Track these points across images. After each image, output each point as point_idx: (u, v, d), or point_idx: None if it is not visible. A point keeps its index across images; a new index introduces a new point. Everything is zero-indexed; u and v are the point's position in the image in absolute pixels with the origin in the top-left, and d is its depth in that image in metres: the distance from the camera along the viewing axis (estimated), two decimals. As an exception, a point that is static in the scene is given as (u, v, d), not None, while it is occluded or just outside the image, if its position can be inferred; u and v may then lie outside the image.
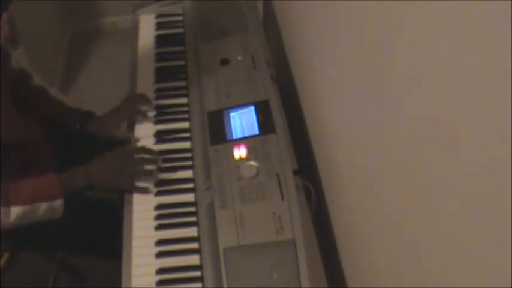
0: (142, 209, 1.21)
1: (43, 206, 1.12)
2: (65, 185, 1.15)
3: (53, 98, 1.43)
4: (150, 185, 1.23)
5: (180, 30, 1.61)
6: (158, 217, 1.19)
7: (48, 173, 1.16)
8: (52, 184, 1.14)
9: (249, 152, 1.15)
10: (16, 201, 1.09)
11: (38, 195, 1.11)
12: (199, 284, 1.08)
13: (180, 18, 1.65)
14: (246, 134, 1.19)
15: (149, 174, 1.24)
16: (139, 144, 1.31)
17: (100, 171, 1.21)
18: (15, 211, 1.09)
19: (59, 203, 1.14)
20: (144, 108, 1.38)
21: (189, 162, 1.28)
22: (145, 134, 1.35)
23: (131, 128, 1.37)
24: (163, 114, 1.39)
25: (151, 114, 1.38)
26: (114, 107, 1.40)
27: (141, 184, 1.23)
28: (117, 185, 1.22)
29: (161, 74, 1.49)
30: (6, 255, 1.48)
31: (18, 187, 1.11)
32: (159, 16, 1.66)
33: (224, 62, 1.37)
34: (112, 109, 1.40)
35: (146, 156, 1.25)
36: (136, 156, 1.25)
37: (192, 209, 1.20)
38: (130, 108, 1.38)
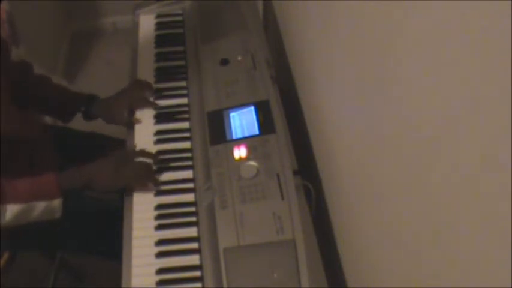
0: (143, 209, 1.21)
1: (40, 205, 1.11)
2: (63, 184, 1.14)
3: (55, 85, 1.43)
4: (150, 184, 1.23)
5: (180, 30, 1.61)
6: (158, 217, 1.19)
7: (47, 172, 1.15)
8: (50, 183, 1.13)
9: (249, 152, 1.15)
10: (12, 199, 1.08)
11: (35, 194, 1.11)
12: (199, 284, 1.08)
13: (180, 18, 1.65)
14: (246, 134, 1.19)
15: (148, 178, 1.23)
16: (139, 147, 1.30)
17: (99, 173, 1.19)
18: (11, 209, 1.08)
19: (57, 202, 1.13)
20: (147, 94, 1.40)
21: (189, 162, 1.28)
22: (145, 133, 1.35)
23: (132, 113, 1.38)
24: (163, 114, 1.39)
25: (152, 99, 1.41)
26: (119, 91, 1.40)
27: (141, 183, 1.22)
28: (115, 187, 1.22)
29: (161, 74, 1.48)
30: (6, 255, 1.48)
31: (14, 185, 1.10)
32: (159, 16, 1.66)
33: (224, 62, 1.37)
34: (117, 93, 1.40)
35: (146, 159, 1.25)
36: (136, 159, 1.24)
37: (192, 209, 1.20)
38: (137, 94, 1.39)
